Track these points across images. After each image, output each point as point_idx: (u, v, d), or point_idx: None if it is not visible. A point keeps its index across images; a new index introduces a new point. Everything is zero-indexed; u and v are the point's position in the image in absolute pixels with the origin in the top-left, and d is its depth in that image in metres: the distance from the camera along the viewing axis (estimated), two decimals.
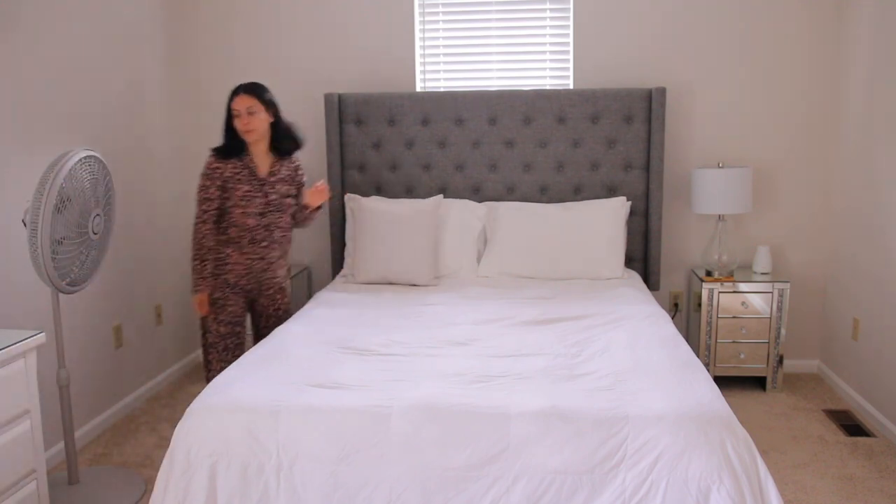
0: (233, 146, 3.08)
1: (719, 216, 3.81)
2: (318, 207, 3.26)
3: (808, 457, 3.07)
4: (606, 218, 3.64)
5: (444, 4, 4.00)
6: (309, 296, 4.18)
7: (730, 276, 3.75)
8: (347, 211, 3.81)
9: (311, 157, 4.13)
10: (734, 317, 3.72)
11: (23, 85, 2.90)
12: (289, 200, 3.16)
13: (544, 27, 3.98)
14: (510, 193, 3.89)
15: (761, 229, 3.98)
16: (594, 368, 2.40)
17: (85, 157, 2.66)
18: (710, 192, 3.69)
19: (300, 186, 3.22)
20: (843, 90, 3.76)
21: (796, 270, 4.00)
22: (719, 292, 3.71)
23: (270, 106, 3.09)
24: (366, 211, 3.66)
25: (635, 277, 3.66)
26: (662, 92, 3.70)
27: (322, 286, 4.14)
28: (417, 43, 4.01)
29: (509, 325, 2.88)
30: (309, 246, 4.25)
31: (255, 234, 3.06)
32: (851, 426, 3.37)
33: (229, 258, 3.07)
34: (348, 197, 3.80)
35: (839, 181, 3.81)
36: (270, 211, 3.08)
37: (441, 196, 3.70)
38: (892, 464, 3.02)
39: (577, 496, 1.98)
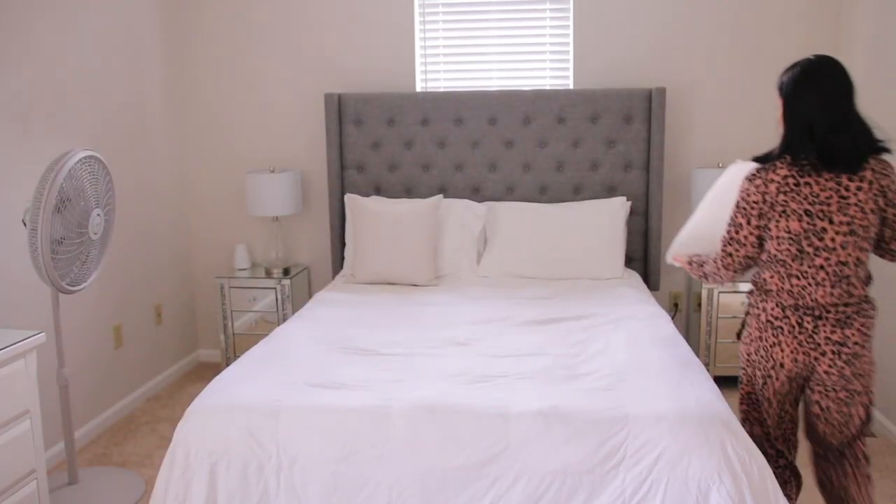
0: None
1: None
2: None
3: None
4: (606, 218, 3.64)
5: (444, 4, 4.00)
6: (309, 296, 4.18)
7: None
8: (347, 211, 3.81)
9: (311, 157, 4.14)
10: (734, 317, 3.72)
11: (23, 85, 2.90)
12: None
13: (544, 27, 3.98)
14: (510, 193, 3.89)
15: None
16: (594, 368, 2.40)
17: (85, 157, 2.66)
18: None
19: None
20: None
21: None
22: (719, 292, 3.71)
23: None
24: (365, 211, 3.66)
25: (635, 277, 3.66)
26: (662, 92, 3.70)
27: (322, 286, 4.14)
28: (417, 43, 4.01)
29: (509, 325, 2.88)
30: (309, 246, 4.25)
31: None
32: None
33: None
34: (348, 197, 3.79)
35: None
36: None
37: (441, 196, 3.70)
38: (892, 464, 3.02)
39: (577, 496, 1.98)
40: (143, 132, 3.77)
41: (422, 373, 2.38)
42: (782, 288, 2.11)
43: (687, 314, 4.08)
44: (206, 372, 4.19)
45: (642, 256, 3.90)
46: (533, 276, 3.56)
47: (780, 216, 2.05)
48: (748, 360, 2.27)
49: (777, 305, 2.13)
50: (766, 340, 2.17)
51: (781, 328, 2.12)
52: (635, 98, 3.75)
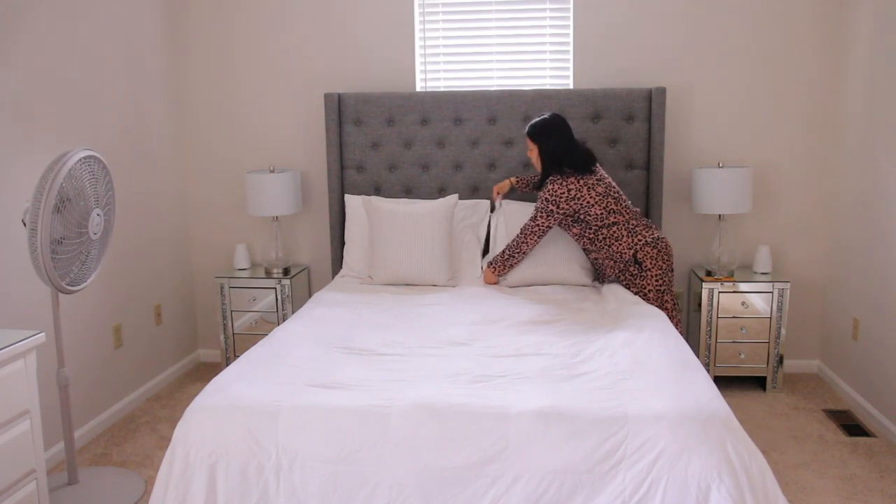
0: None
1: (719, 216, 3.81)
2: None
3: (808, 457, 3.07)
4: None
5: (444, 4, 4.00)
6: (309, 295, 4.18)
7: (730, 276, 3.75)
8: (362, 212, 3.78)
9: (311, 157, 4.14)
10: (734, 317, 3.72)
11: (23, 85, 2.90)
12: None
13: (544, 27, 3.98)
14: (510, 193, 3.89)
15: (761, 229, 3.98)
16: (593, 368, 2.40)
17: (85, 157, 2.66)
18: (710, 192, 3.69)
19: None
20: (843, 90, 3.76)
21: (796, 270, 4.00)
22: (719, 292, 3.71)
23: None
24: (383, 213, 3.60)
25: None
26: (662, 92, 3.70)
27: (322, 286, 4.14)
28: (417, 43, 4.01)
29: (509, 324, 2.88)
30: (309, 246, 4.26)
31: None
32: (851, 426, 3.36)
33: None
34: (363, 199, 3.75)
35: (839, 181, 3.81)
36: None
37: (456, 196, 3.67)
38: (892, 464, 3.02)
39: (577, 496, 1.98)
40: (143, 132, 3.77)
41: (421, 373, 2.38)
42: None
43: (687, 314, 4.08)
44: (206, 372, 4.19)
45: None
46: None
47: None
48: None
49: None
50: None
51: None
52: (635, 98, 3.75)
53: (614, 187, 3.33)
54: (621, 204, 3.30)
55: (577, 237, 3.39)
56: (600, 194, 3.26)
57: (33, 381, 2.35)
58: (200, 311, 4.37)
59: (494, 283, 3.48)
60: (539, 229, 3.34)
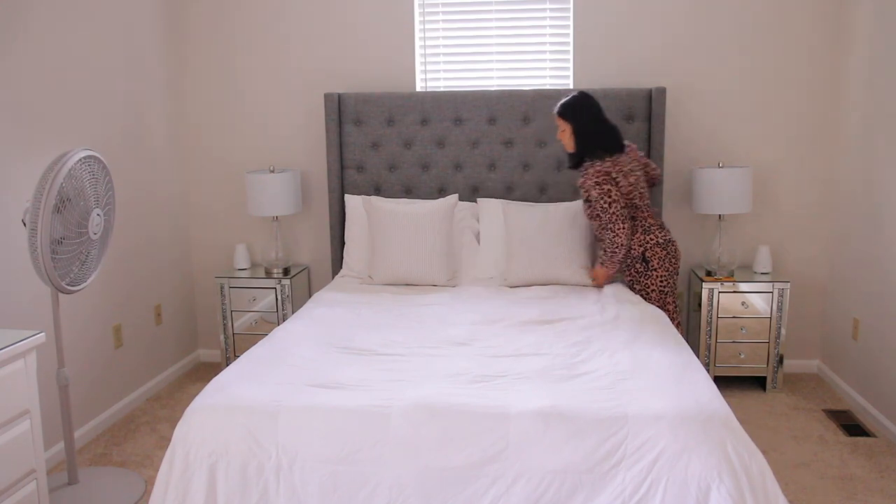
0: None
1: (719, 216, 3.81)
2: None
3: (808, 457, 3.07)
4: None
5: (444, 4, 4.00)
6: (309, 295, 4.18)
7: (730, 276, 3.75)
8: (362, 212, 3.79)
9: (311, 157, 4.14)
10: (734, 317, 3.72)
11: (23, 85, 2.90)
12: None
13: (544, 27, 3.98)
14: (509, 193, 3.89)
15: (761, 229, 3.98)
16: (593, 368, 2.40)
17: (85, 157, 2.66)
18: (710, 192, 3.69)
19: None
20: (843, 90, 3.76)
21: (796, 270, 4.00)
22: (719, 292, 3.71)
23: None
24: (384, 213, 3.61)
25: None
26: (662, 92, 3.70)
27: (322, 286, 4.14)
28: (417, 43, 4.01)
29: (509, 325, 2.88)
30: (309, 246, 4.26)
31: None
32: (851, 426, 3.36)
33: None
34: (363, 199, 3.76)
35: (839, 181, 3.81)
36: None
37: (456, 196, 3.68)
38: (892, 464, 3.02)
39: (577, 496, 1.98)
40: (143, 132, 3.77)
41: (421, 372, 2.38)
42: None
43: (687, 314, 4.08)
44: (206, 372, 4.19)
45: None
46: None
47: None
48: None
49: None
50: None
51: None
52: (635, 98, 3.75)
53: (641, 182, 3.33)
54: (643, 200, 3.32)
55: (596, 229, 3.37)
56: (631, 184, 3.27)
57: (33, 381, 2.35)
58: (200, 311, 4.37)
59: (602, 285, 3.41)
60: (614, 215, 3.20)
